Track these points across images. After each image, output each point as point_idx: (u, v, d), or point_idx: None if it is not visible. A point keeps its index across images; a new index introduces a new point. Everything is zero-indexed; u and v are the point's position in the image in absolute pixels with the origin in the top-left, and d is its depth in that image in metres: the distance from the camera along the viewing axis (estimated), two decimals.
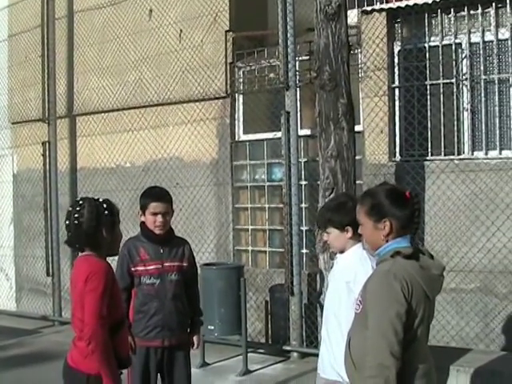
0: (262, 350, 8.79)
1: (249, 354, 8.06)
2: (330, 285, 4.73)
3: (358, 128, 7.90)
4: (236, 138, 9.68)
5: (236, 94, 9.64)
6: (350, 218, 4.48)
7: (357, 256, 4.52)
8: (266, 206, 9.48)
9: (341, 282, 4.51)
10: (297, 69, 8.32)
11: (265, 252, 9.52)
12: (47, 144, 11.14)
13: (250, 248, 9.63)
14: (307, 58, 8.63)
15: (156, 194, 5.29)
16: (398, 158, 8.26)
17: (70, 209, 4.05)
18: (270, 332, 9.13)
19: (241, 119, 9.68)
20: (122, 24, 10.63)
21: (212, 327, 8.00)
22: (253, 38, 9.61)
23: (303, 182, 8.83)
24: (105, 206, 4.06)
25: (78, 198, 4.18)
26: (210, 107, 9.72)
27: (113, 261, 4.44)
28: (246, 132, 9.66)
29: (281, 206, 8.74)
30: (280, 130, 8.32)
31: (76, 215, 3.96)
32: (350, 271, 4.46)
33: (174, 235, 5.42)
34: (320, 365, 4.70)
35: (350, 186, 6.97)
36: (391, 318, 3.23)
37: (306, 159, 8.94)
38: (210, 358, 8.24)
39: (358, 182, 7.61)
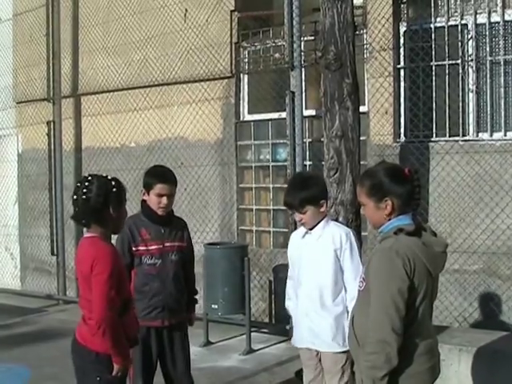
0: (265, 330, 8.82)
1: (252, 334, 8.08)
2: (310, 258, 4.80)
3: (362, 109, 7.87)
4: (241, 118, 9.67)
5: (241, 74, 9.62)
6: (321, 191, 4.77)
7: (331, 224, 4.80)
8: (271, 186, 9.48)
9: (328, 253, 4.71)
10: (302, 49, 8.27)
11: (269, 232, 9.53)
12: (52, 123, 11.15)
13: (254, 228, 9.64)
14: (312, 38, 8.61)
15: (163, 175, 5.26)
16: (402, 138, 8.24)
17: (79, 184, 4.06)
18: (273, 312, 9.16)
19: (245, 99, 9.67)
20: (127, 3, 10.58)
21: (216, 306, 8.04)
22: (258, 18, 9.56)
23: (308, 163, 8.82)
24: (113, 183, 4.09)
25: (87, 175, 4.18)
26: (215, 87, 9.70)
27: (113, 239, 4.47)
28: (250, 112, 9.65)
29: (285, 186, 8.71)
30: (285, 110, 8.29)
31: (84, 190, 3.97)
32: (336, 239, 4.71)
33: (173, 215, 5.44)
34: (313, 339, 4.89)
35: (354, 167, 6.95)
36: (393, 295, 3.25)
37: (310, 139, 8.93)
38: (214, 337, 8.27)
39: (362, 162, 7.60)
